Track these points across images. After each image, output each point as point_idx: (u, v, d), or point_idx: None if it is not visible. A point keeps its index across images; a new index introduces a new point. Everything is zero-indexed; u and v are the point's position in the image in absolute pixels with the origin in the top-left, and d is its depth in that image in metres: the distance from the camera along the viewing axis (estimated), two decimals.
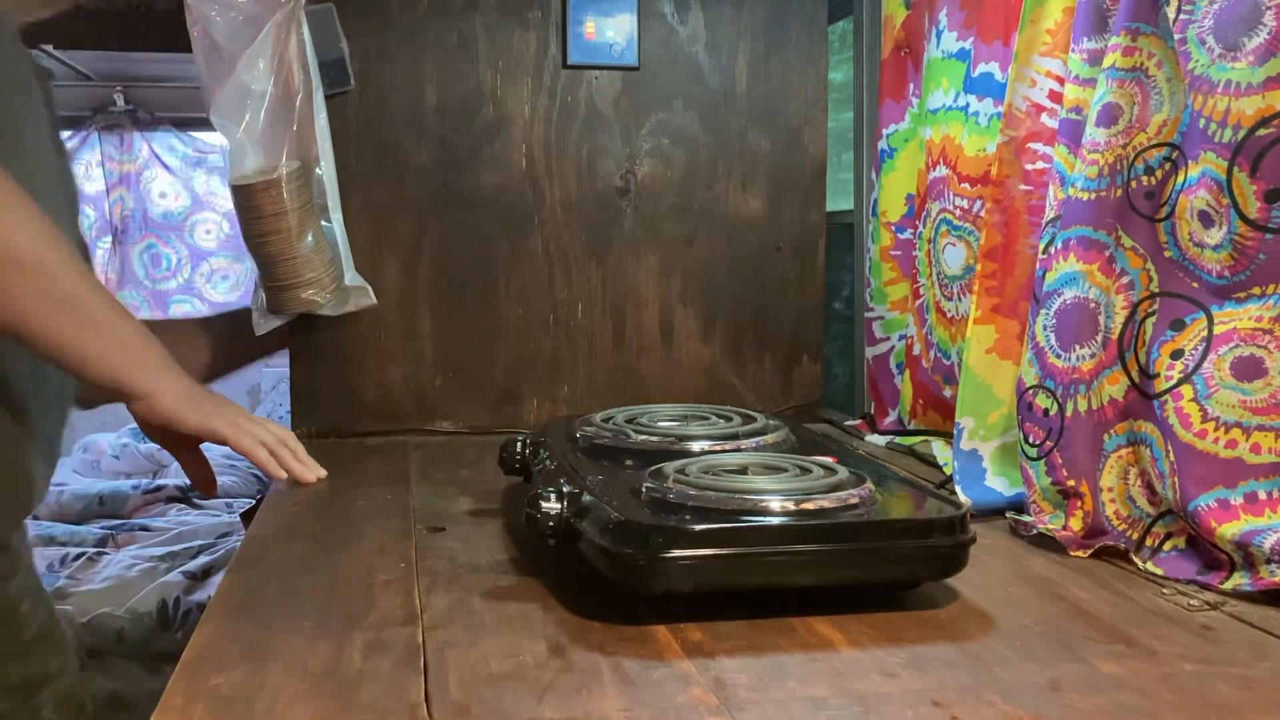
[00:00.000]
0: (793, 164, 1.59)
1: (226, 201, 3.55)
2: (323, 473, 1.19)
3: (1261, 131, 0.81)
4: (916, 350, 1.36)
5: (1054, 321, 0.98)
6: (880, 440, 1.42)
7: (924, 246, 1.33)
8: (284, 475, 1.17)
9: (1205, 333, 0.87)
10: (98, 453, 3.06)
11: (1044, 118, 1.09)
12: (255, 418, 1.17)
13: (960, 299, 1.24)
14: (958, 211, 1.24)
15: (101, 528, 2.42)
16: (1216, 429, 0.85)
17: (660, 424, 1.04)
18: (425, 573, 0.87)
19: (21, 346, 1.01)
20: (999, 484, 1.09)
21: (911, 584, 0.82)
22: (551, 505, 0.82)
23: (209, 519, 2.32)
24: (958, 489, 1.08)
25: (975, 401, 1.12)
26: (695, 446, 0.97)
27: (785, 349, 1.60)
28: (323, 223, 1.41)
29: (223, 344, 1.46)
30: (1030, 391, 1.00)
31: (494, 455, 1.12)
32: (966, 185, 1.22)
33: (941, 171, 1.27)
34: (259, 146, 1.35)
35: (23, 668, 1.08)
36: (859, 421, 1.53)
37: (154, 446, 2.87)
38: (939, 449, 1.28)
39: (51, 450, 1.15)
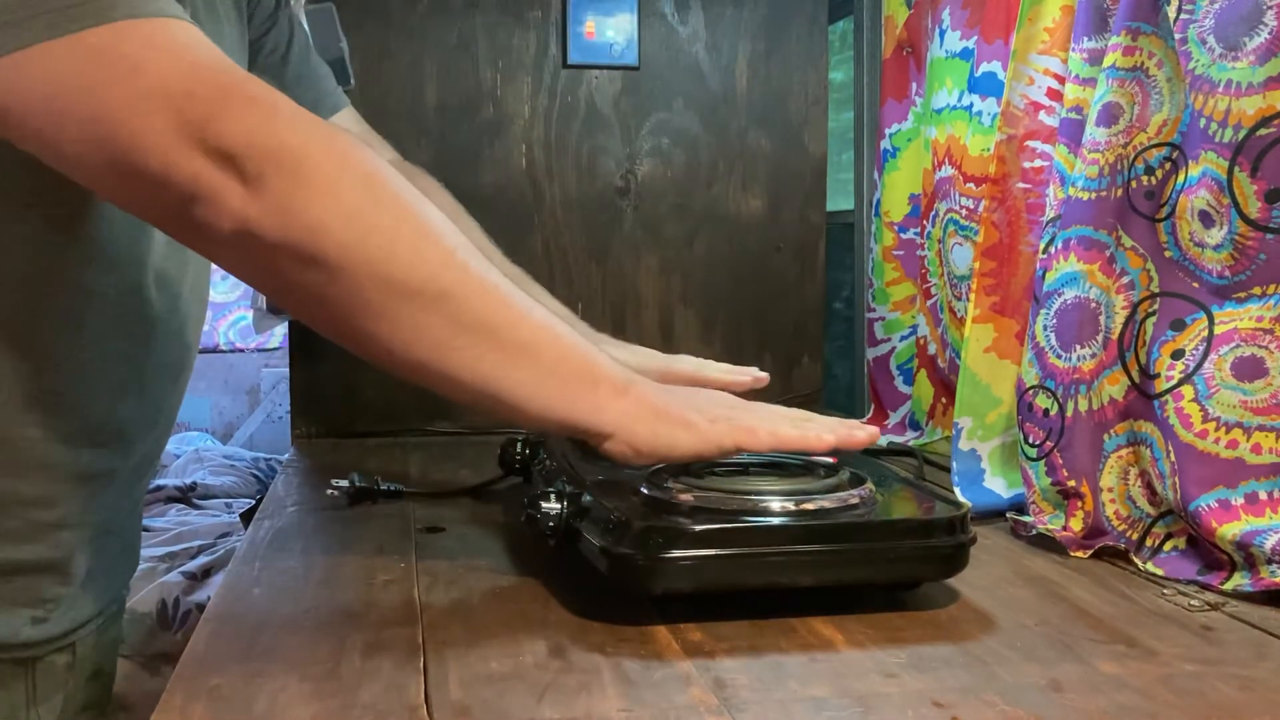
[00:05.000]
0: (793, 164, 1.59)
1: None
2: (872, 430, 0.84)
3: (1262, 131, 0.81)
4: (932, 350, 1.36)
5: (1054, 321, 0.98)
6: (881, 441, 1.41)
7: (934, 246, 1.33)
8: (827, 443, 0.82)
9: (1206, 333, 0.87)
10: None
11: (1042, 116, 1.09)
12: (738, 403, 0.84)
13: (968, 299, 1.24)
14: (964, 211, 1.24)
15: None
16: (1217, 429, 0.85)
17: None
18: (425, 573, 0.87)
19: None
20: (997, 484, 1.09)
21: (912, 584, 0.82)
22: (551, 505, 0.82)
23: (209, 519, 2.32)
24: (955, 490, 1.08)
25: (973, 401, 1.12)
26: None
27: (785, 349, 1.60)
28: None
29: None
30: (1030, 392, 1.00)
31: (494, 455, 1.12)
32: (971, 185, 1.22)
33: (948, 171, 1.27)
34: None
35: None
36: (867, 419, 1.53)
37: None
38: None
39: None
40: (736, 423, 0.79)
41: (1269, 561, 0.80)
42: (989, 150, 1.18)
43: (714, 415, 0.79)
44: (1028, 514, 1.00)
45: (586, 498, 0.81)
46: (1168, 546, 0.90)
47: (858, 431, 0.83)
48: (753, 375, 1.08)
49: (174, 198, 0.67)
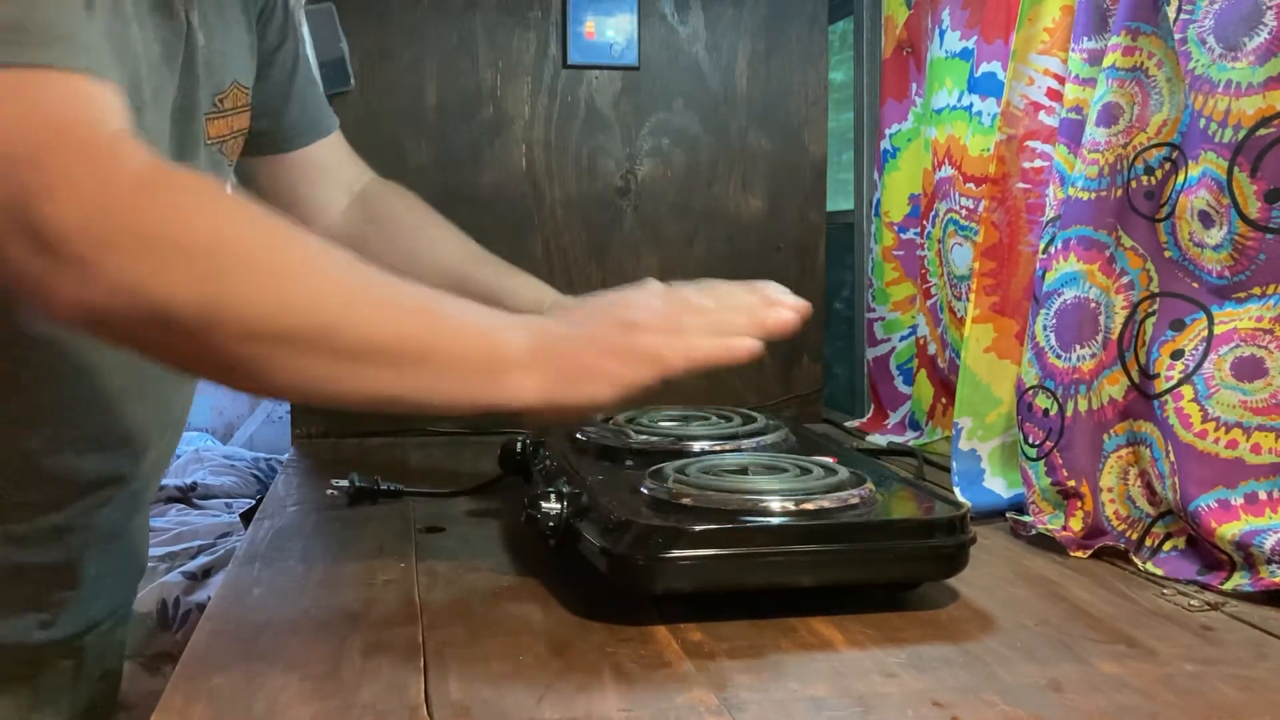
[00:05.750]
0: (793, 164, 1.59)
1: None
2: (801, 304, 0.82)
3: (1262, 131, 0.81)
4: (932, 350, 1.36)
5: (1054, 321, 0.98)
6: (881, 440, 1.41)
7: (934, 246, 1.33)
8: (749, 350, 0.77)
9: (1205, 333, 0.87)
10: None
11: (1042, 116, 1.09)
12: (660, 314, 0.76)
13: (968, 299, 1.24)
14: (963, 211, 1.24)
15: None
16: (1217, 429, 0.85)
17: (660, 424, 1.04)
18: (425, 573, 0.87)
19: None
20: (997, 484, 1.09)
21: (912, 584, 0.82)
22: (551, 505, 0.82)
23: (209, 519, 2.32)
24: (955, 490, 1.08)
25: (973, 401, 1.12)
26: (695, 446, 0.97)
27: (785, 349, 1.60)
28: None
29: None
30: (1030, 392, 1.00)
31: (494, 455, 1.12)
32: (971, 185, 1.22)
33: (947, 171, 1.27)
34: None
35: None
36: (860, 422, 1.53)
37: None
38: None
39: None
40: (655, 352, 0.73)
41: (1269, 561, 0.80)
42: (989, 150, 1.18)
43: (632, 349, 0.73)
44: (1028, 514, 1.00)
45: (586, 498, 0.81)
46: (1167, 546, 0.90)
47: (781, 311, 0.78)
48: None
49: (7, 278, 0.62)
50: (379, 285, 0.69)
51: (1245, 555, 0.81)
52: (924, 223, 1.37)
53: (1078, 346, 0.97)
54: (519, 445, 1.10)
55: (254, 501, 1.53)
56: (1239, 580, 0.82)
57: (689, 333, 0.75)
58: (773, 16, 1.56)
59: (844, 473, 0.84)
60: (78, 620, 0.89)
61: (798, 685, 0.65)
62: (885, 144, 1.48)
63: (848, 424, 1.54)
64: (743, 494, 0.79)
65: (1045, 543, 0.95)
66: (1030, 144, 1.10)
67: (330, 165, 1.14)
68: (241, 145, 1.00)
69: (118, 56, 0.72)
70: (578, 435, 1.03)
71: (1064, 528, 0.96)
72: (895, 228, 1.47)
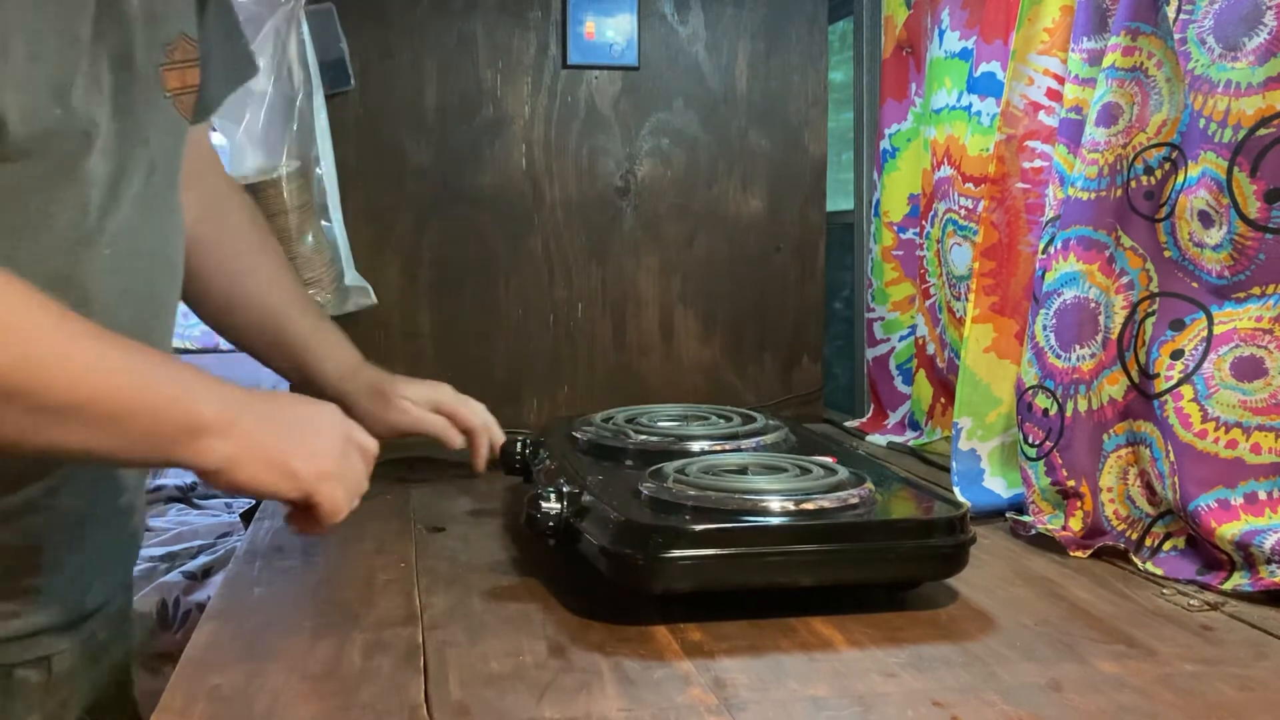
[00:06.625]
0: (793, 164, 1.59)
1: None
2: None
3: (1261, 131, 0.81)
4: (931, 350, 1.36)
5: (1054, 321, 0.98)
6: (880, 440, 1.41)
7: (933, 246, 1.33)
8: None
9: (1205, 333, 0.87)
10: None
11: (1042, 116, 1.09)
12: (337, 454, 0.85)
13: (967, 299, 1.24)
14: (962, 211, 1.24)
15: None
16: (1217, 429, 0.85)
17: (660, 424, 1.04)
18: (425, 573, 0.87)
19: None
20: (997, 484, 1.09)
21: (911, 584, 0.82)
22: (551, 505, 0.82)
23: (209, 519, 2.32)
24: (955, 490, 1.08)
25: (973, 401, 1.12)
26: (695, 446, 0.97)
27: (785, 349, 1.61)
28: (322, 222, 1.41)
29: None
30: (1030, 392, 1.00)
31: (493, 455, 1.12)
32: (970, 185, 1.22)
33: (946, 171, 1.27)
34: (259, 146, 1.35)
35: None
36: (860, 422, 1.53)
37: None
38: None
39: None
40: (326, 483, 0.81)
41: (1268, 561, 0.80)
42: (988, 150, 1.18)
43: (317, 470, 0.80)
44: (1027, 514, 1.00)
45: (586, 498, 0.82)
46: (1167, 546, 0.90)
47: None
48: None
49: None
50: (90, 340, 0.72)
51: (1245, 555, 0.82)
52: (923, 223, 1.37)
53: (1077, 346, 0.97)
54: (519, 445, 1.10)
55: (254, 501, 1.53)
56: (1239, 580, 0.82)
57: (340, 491, 0.81)
58: (773, 16, 1.56)
59: (844, 473, 0.84)
60: (46, 614, 0.86)
61: (798, 685, 0.65)
62: (885, 144, 1.48)
63: (848, 424, 1.54)
64: (742, 494, 0.79)
65: (1045, 543, 0.96)
66: (1030, 144, 1.10)
67: (204, 150, 1.10)
68: (194, 104, 0.96)
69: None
70: (578, 435, 1.03)
71: (1064, 528, 0.96)
72: (895, 228, 1.47)
